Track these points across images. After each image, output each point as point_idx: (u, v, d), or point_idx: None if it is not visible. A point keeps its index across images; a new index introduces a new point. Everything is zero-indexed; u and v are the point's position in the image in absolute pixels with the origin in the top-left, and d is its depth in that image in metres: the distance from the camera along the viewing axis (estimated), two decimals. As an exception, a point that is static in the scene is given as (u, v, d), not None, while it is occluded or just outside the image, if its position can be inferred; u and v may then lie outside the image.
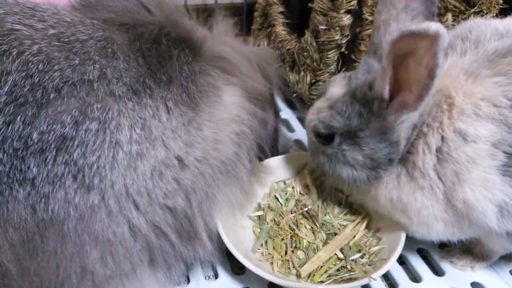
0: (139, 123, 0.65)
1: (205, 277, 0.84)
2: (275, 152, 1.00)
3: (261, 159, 0.91)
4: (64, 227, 0.59)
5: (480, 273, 0.85)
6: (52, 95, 0.59)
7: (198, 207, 0.73)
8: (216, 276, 0.83)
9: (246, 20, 1.57)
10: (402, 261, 0.89)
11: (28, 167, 0.57)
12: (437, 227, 0.74)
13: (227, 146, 0.77)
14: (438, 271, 0.87)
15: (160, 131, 0.67)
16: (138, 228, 0.66)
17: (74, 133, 0.59)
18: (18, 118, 0.57)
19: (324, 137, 0.77)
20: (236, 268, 0.84)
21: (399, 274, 0.85)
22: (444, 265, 0.87)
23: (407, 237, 0.81)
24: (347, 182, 0.79)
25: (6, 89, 0.57)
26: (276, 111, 0.98)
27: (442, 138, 0.68)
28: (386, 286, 0.85)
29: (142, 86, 0.67)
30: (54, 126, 0.58)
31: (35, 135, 0.57)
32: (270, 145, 0.95)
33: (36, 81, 0.58)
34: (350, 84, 0.75)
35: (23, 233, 0.57)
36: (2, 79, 0.57)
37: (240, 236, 0.84)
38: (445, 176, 0.69)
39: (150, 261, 0.71)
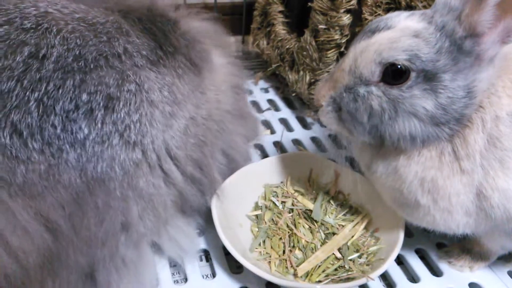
0: (165, 87, 0.73)
1: (202, 276, 0.84)
2: None
3: None
4: (111, 184, 0.64)
5: (478, 274, 0.85)
6: (92, 65, 0.66)
7: (211, 157, 0.82)
8: (213, 275, 0.83)
9: (245, 19, 1.57)
10: (400, 261, 0.89)
11: (80, 127, 0.62)
12: (458, 216, 0.70)
13: (228, 101, 0.88)
14: (436, 272, 0.87)
15: (180, 94, 0.76)
16: (174, 180, 0.74)
17: (118, 93, 0.66)
18: (68, 82, 0.63)
19: (397, 74, 0.64)
20: (234, 267, 0.84)
21: (397, 274, 0.85)
22: (442, 265, 0.87)
23: (406, 237, 0.81)
24: (399, 139, 0.67)
25: (52, 59, 0.63)
26: None
27: (497, 117, 0.65)
28: (384, 286, 0.85)
29: (156, 57, 0.75)
30: (99, 87, 0.65)
31: (84, 96, 0.63)
32: None
33: (77, 53, 0.65)
34: (433, 18, 0.65)
35: (73, 192, 0.61)
36: (48, 51, 0.63)
37: (238, 235, 0.84)
38: (488, 161, 0.65)
39: (181, 211, 0.80)
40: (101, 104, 0.64)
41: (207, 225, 0.88)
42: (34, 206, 0.59)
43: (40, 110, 0.60)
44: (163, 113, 0.72)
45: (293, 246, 0.84)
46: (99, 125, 0.64)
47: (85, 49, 0.66)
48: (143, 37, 0.75)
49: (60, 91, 0.62)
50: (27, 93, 0.60)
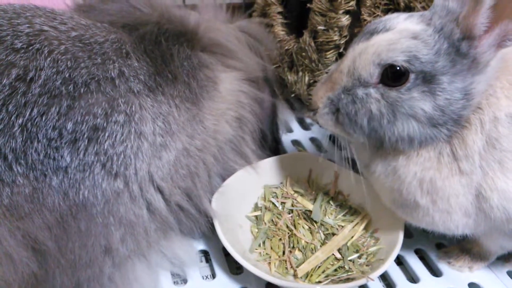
0: (160, 117, 0.72)
1: (202, 277, 0.84)
2: (275, 130, 1.03)
3: (263, 145, 0.96)
4: (93, 210, 0.64)
5: (477, 274, 0.85)
6: (82, 89, 0.64)
7: (202, 189, 0.81)
8: (213, 276, 0.83)
9: (244, 20, 1.56)
10: (399, 261, 0.89)
11: (62, 156, 0.62)
12: (457, 216, 0.70)
13: (227, 133, 0.84)
14: (435, 272, 0.87)
15: (176, 125, 0.74)
16: (157, 209, 0.73)
17: (105, 124, 0.65)
18: (53, 109, 0.61)
19: (396, 75, 0.64)
20: (234, 268, 0.84)
21: (396, 275, 0.85)
22: (442, 265, 0.87)
23: (405, 237, 0.81)
24: (397, 141, 0.67)
25: (40, 83, 0.61)
26: (272, 87, 1.01)
27: (495, 118, 0.65)
28: (383, 286, 0.85)
29: (155, 83, 0.73)
30: (87, 117, 0.63)
31: (69, 125, 0.62)
32: (268, 124, 0.99)
33: (67, 76, 0.64)
34: (432, 19, 0.65)
35: (57, 215, 0.61)
36: (36, 74, 0.62)
37: (238, 236, 0.84)
38: (487, 162, 0.65)
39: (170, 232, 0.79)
40: (86, 135, 0.63)
41: (206, 226, 0.88)
42: (23, 227, 0.58)
43: (24, 136, 0.59)
44: (152, 145, 0.70)
45: (293, 247, 0.84)
46: (81, 155, 0.63)
47: (76, 71, 0.64)
48: (143, 60, 0.73)
49: (44, 118, 0.60)
50: (12, 118, 0.59)
